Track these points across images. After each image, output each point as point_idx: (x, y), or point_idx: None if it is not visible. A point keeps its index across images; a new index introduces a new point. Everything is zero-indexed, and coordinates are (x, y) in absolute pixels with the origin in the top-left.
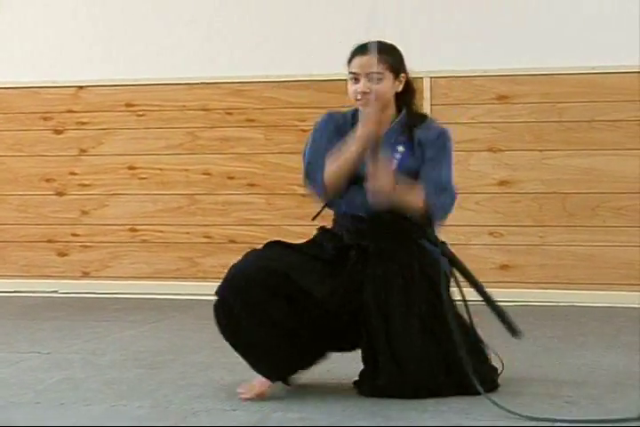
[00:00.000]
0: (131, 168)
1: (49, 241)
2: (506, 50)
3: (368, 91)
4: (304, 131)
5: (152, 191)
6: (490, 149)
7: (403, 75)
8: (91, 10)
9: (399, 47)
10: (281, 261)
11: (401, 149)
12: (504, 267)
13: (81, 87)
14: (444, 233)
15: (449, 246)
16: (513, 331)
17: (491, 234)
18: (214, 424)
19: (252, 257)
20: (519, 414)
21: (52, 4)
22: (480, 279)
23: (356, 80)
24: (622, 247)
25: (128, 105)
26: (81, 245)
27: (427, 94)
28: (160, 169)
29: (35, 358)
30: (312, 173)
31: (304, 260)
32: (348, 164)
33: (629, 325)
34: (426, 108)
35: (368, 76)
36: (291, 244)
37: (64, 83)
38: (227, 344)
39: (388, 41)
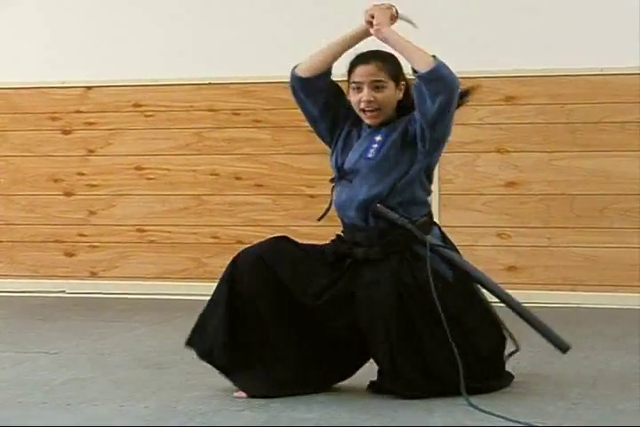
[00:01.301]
0: (138, 168)
1: (56, 241)
2: (514, 51)
3: (373, 99)
4: (311, 132)
5: (159, 192)
6: (497, 151)
7: (403, 82)
8: (99, 10)
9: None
10: (279, 257)
11: (378, 138)
12: (511, 268)
13: (89, 88)
14: (451, 234)
15: (450, 250)
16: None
17: (498, 235)
18: (221, 424)
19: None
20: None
21: (60, 5)
22: None
23: (359, 89)
24: (630, 249)
25: (136, 105)
26: (88, 246)
27: None
28: (167, 169)
29: (42, 357)
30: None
31: (302, 260)
32: (337, 43)
33: (637, 326)
34: None
35: (371, 84)
36: (296, 242)
37: (72, 83)
38: None
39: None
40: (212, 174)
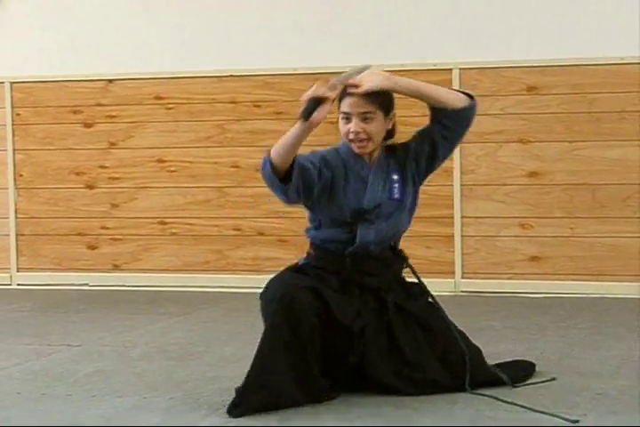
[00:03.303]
0: (160, 161)
1: (79, 234)
2: (535, 41)
3: (361, 130)
4: (332, 123)
5: (181, 184)
6: (519, 141)
7: (392, 112)
8: (120, 3)
9: (429, 39)
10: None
11: (395, 177)
12: (534, 258)
13: (110, 81)
14: (474, 225)
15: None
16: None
17: (521, 226)
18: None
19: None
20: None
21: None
22: (510, 271)
23: (348, 120)
24: None
25: (157, 98)
26: (111, 238)
27: (456, 86)
28: (189, 162)
29: (66, 350)
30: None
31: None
32: (293, 136)
33: None
34: None
35: (360, 115)
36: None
37: (93, 76)
38: (256, 336)
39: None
40: (233, 166)
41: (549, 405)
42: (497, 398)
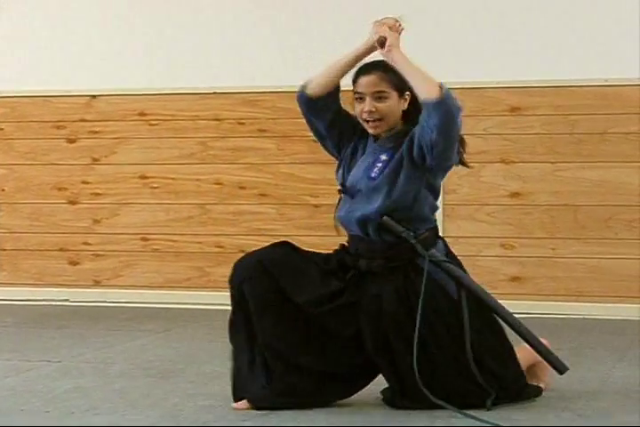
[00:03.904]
0: (143, 177)
1: (61, 250)
2: (518, 61)
3: (374, 110)
4: (316, 141)
5: (164, 200)
6: (502, 161)
7: (407, 93)
8: (104, 20)
9: (413, 59)
10: (280, 264)
11: (384, 157)
12: (515, 279)
13: (94, 96)
14: (455, 244)
15: (454, 265)
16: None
17: (502, 246)
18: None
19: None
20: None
21: (65, 14)
22: (491, 291)
23: (362, 100)
24: (634, 260)
25: (141, 114)
26: (92, 254)
27: None
28: (172, 178)
29: (45, 366)
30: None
31: (303, 267)
32: (344, 61)
33: None
34: None
35: (374, 95)
36: (297, 248)
37: (77, 92)
38: None
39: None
40: (216, 184)
41: (529, 424)
42: (476, 418)
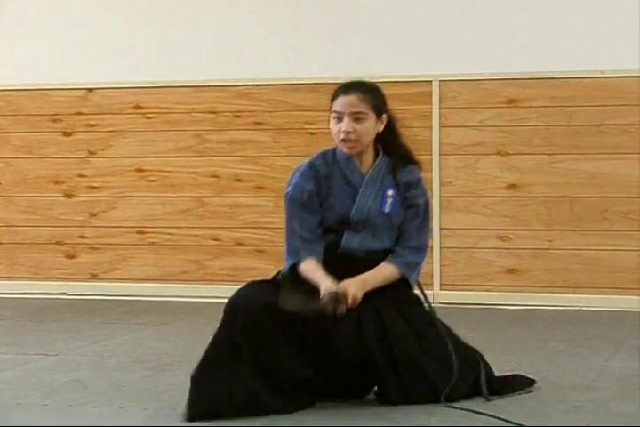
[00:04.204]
0: (139, 170)
1: (57, 243)
2: (515, 53)
3: (352, 130)
4: (312, 134)
5: (160, 194)
6: (498, 153)
7: (384, 115)
8: (100, 13)
9: (409, 51)
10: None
11: (390, 193)
12: (512, 271)
13: (90, 89)
14: (452, 237)
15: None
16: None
17: (499, 238)
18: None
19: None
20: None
21: (61, 7)
22: (488, 283)
23: (340, 119)
24: (631, 251)
25: (137, 107)
26: (89, 248)
27: (435, 98)
28: (168, 171)
29: (42, 359)
30: (292, 252)
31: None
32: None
33: (637, 329)
34: (434, 112)
35: (352, 115)
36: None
37: (73, 85)
38: None
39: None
40: (212, 176)
41: (526, 417)
42: (473, 411)
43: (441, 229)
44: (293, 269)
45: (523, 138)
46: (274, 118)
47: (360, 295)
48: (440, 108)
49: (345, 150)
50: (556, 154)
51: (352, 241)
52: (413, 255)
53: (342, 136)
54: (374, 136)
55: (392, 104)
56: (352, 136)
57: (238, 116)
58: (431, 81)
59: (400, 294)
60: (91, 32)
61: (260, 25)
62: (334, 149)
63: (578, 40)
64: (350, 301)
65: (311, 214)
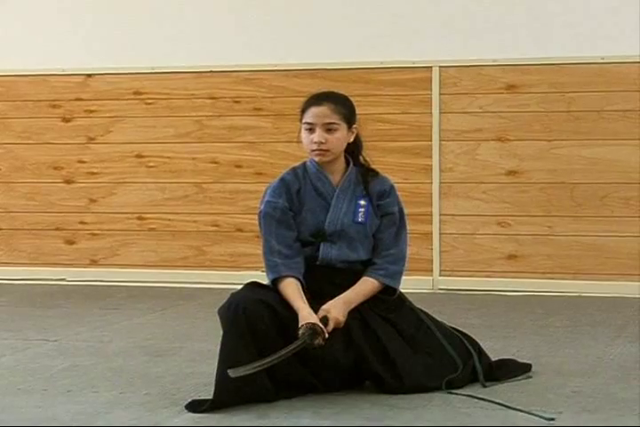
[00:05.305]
0: (139, 156)
1: (57, 229)
2: (515, 39)
3: (324, 141)
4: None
5: (160, 180)
6: (498, 139)
7: (355, 126)
8: None
9: (409, 37)
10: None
11: (363, 202)
12: (512, 257)
13: (90, 75)
14: (452, 223)
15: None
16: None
17: (498, 224)
18: (221, 412)
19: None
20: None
21: None
22: (488, 269)
23: (312, 130)
24: (630, 237)
25: (136, 93)
26: (89, 233)
27: (435, 84)
28: (168, 157)
29: (42, 345)
30: (273, 267)
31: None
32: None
33: (637, 315)
34: (434, 98)
35: (324, 126)
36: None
37: (73, 71)
38: None
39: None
40: (212, 162)
41: (525, 402)
42: (473, 396)
43: (441, 215)
44: (274, 284)
45: (523, 124)
46: (274, 104)
47: (343, 319)
48: (440, 94)
49: (316, 158)
50: (555, 140)
51: (329, 253)
52: (394, 265)
53: (315, 147)
54: (345, 146)
55: (392, 90)
56: (324, 147)
57: (238, 102)
58: (431, 67)
59: (382, 304)
60: (90, 18)
61: (260, 10)
62: (304, 164)
63: (578, 26)
64: (332, 325)
65: (287, 229)
